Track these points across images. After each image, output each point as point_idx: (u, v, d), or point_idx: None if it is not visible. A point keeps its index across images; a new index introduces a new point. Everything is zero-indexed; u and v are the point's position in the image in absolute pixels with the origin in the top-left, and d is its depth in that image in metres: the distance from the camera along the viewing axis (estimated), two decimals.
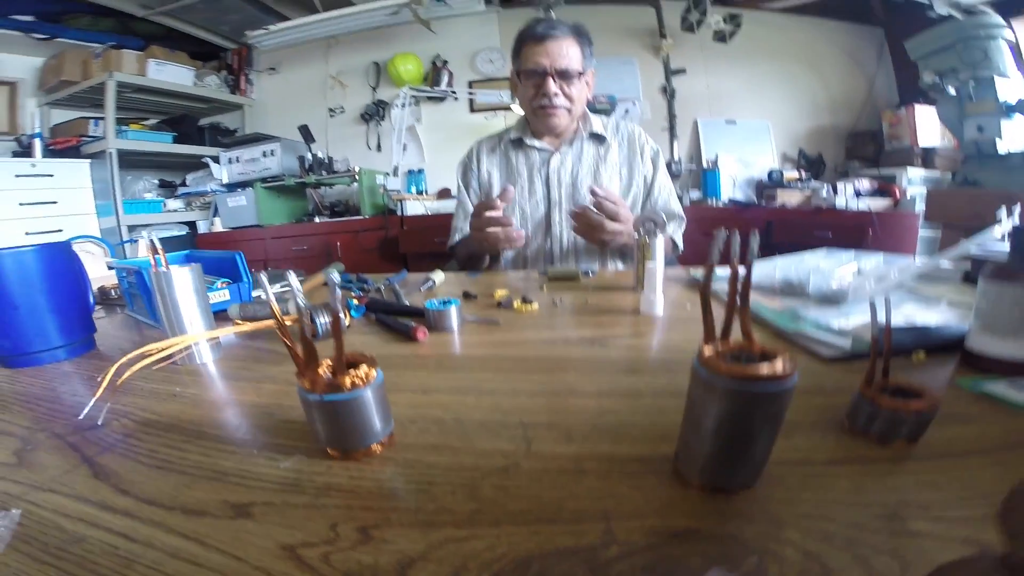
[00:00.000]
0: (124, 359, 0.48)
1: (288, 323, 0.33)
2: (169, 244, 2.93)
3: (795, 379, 0.25)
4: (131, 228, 2.91)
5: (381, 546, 0.25)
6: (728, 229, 0.27)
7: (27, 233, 2.47)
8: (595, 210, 0.98)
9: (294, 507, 0.29)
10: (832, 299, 0.67)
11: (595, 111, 2.80)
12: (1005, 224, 0.73)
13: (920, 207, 2.45)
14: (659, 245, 0.70)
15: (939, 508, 0.26)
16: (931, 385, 0.38)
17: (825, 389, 0.42)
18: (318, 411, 0.32)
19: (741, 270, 0.27)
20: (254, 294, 0.86)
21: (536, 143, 1.30)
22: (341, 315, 0.58)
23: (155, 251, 0.59)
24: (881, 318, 0.34)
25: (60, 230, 2.57)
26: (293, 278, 0.32)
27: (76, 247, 1.22)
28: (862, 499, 0.27)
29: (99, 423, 0.42)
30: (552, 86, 1.18)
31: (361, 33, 3.34)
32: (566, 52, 1.17)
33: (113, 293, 1.06)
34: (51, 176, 2.61)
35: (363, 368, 0.32)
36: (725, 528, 0.25)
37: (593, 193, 0.97)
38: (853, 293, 0.67)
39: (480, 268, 1.28)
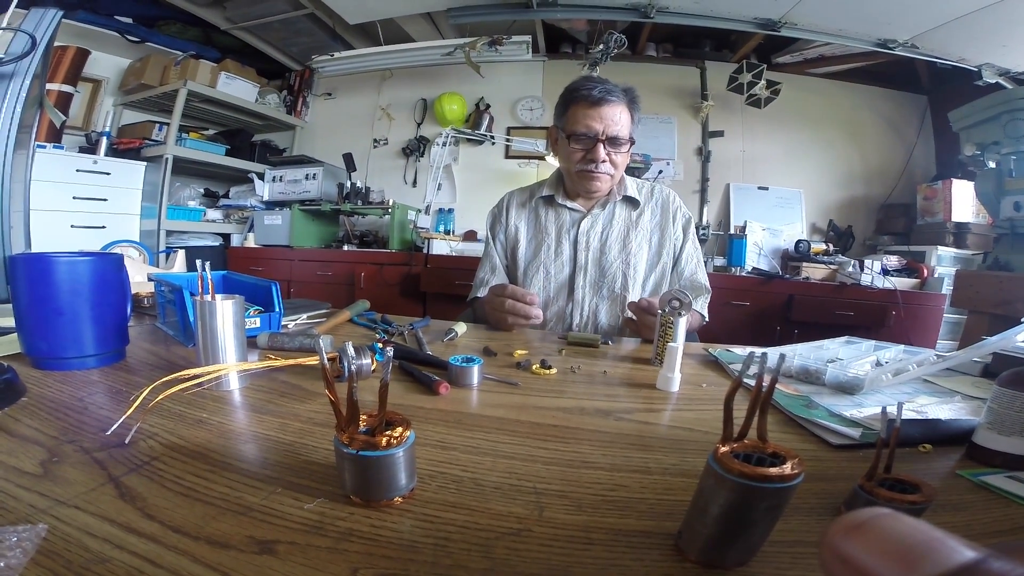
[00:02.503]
0: (158, 382, 0.49)
1: (325, 362, 0.35)
2: (202, 254, 3.02)
3: (801, 478, 0.27)
4: (169, 233, 3.02)
5: None
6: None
7: (72, 226, 2.57)
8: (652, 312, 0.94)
9: (317, 548, 0.30)
10: (848, 388, 0.69)
11: (628, 169, 2.88)
12: None
13: (947, 288, 2.40)
14: (681, 325, 0.72)
15: None
16: (931, 477, 0.43)
17: (828, 476, 0.44)
18: (350, 463, 0.34)
19: (767, 376, 0.30)
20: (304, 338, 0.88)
21: (568, 203, 1.29)
22: (370, 362, 0.60)
23: (203, 279, 0.62)
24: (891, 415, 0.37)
25: (104, 227, 2.67)
26: (322, 346, 0.35)
27: (117, 249, 1.27)
28: None
29: (126, 441, 0.43)
30: (601, 152, 1.15)
31: (414, 69, 3.50)
32: (619, 119, 1.15)
33: (146, 302, 1.07)
34: (108, 174, 2.73)
35: (399, 429, 0.34)
36: None
37: (648, 307, 0.95)
38: (869, 384, 0.68)
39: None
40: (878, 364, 0.83)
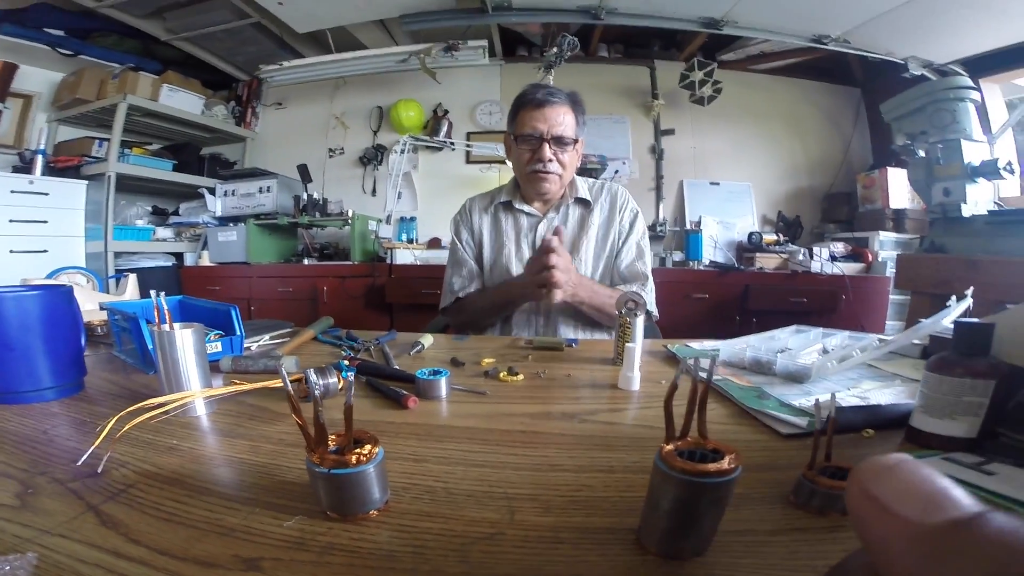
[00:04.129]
0: (124, 412, 0.49)
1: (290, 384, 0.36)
2: (154, 275, 2.92)
3: (738, 471, 0.30)
4: (117, 254, 2.89)
5: None
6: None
7: (11, 251, 2.46)
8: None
9: (301, 563, 0.32)
10: (797, 377, 0.73)
11: (586, 170, 2.93)
12: (956, 311, 0.78)
13: (891, 271, 2.56)
14: (639, 326, 0.75)
15: None
16: None
17: (778, 465, 0.47)
18: (324, 482, 0.36)
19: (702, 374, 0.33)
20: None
21: (525, 208, 1.34)
22: (336, 381, 0.61)
23: (159, 310, 0.61)
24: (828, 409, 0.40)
25: (46, 251, 2.57)
26: (285, 373, 0.37)
27: (63, 277, 1.23)
28: (796, 564, 0.32)
29: (99, 471, 0.43)
30: (547, 152, 1.21)
31: (368, 76, 3.45)
32: (562, 119, 1.22)
33: (99, 330, 1.04)
34: (46, 195, 2.62)
35: (367, 447, 0.36)
36: None
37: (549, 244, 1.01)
38: (816, 372, 0.72)
39: (488, 324, 1.31)
40: (825, 351, 0.88)
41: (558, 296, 1.05)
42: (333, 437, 0.37)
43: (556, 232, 1.05)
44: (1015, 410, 0.50)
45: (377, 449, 0.37)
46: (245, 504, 0.39)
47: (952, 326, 0.64)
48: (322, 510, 0.37)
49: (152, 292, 0.64)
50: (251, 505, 0.39)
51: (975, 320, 0.53)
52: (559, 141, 1.23)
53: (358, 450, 0.36)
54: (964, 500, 0.14)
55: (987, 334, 0.50)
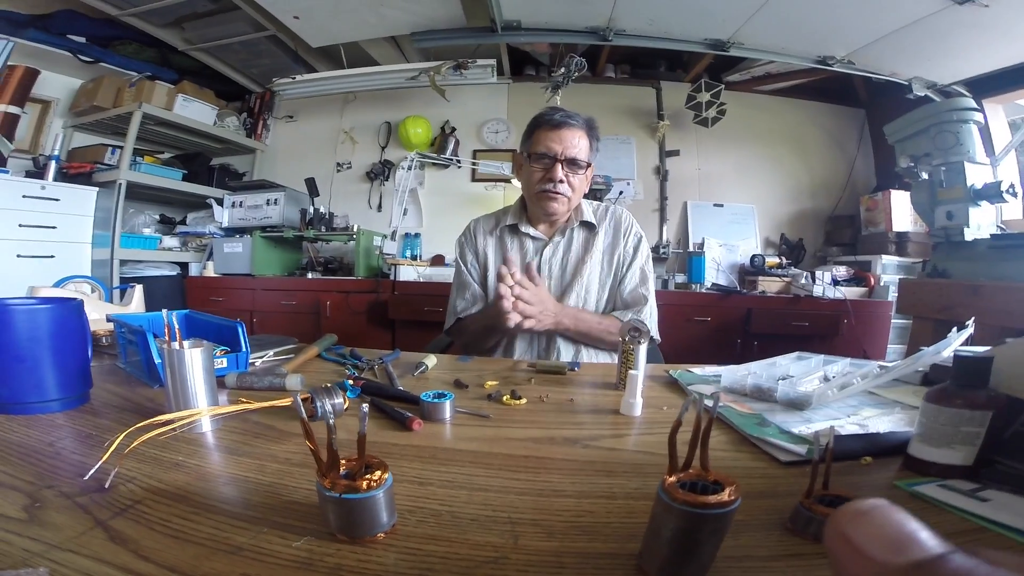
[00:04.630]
0: (131, 428, 0.50)
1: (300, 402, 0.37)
2: (159, 285, 2.93)
3: (738, 503, 0.31)
4: (123, 262, 2.91)
5: None
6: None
7: (18, 256, 2.47)
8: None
9: None
10: (797, 404, 0.73)
11: (590, 190, 2.94)
12: (957, 341, 0.78)
13: (893, 295, 2.54)
14: (641, 353, 0.76)
15: None
16: (871, 489, 0.47)
17: (777, 492, 0.48)
18: (334, 505, 0.36)
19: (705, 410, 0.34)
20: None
21: (531, 231, 1.35)
22: (342, 401, 0.62)
23: (169, 329, 0.62)
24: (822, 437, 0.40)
25: (52, 256, 2.58)
26: (299, 402, 0.38)
27: (70, 285, 1.24)
28: None
29: (107, 486, 0.44)
30: (559, 172, 1.22)
31: (378, 92, 3.50)
32: (577, 143, 1.24)
33: (104, 340, 1.05)
34: (57, 200, 2.63)
35: (378, 472, 0.37)
36: None
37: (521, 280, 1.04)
38: (817, 400, 0.72)
39: (486, 346, 1.31)
40: (826, 379, 0.88)
41: (512, 321, 1.05)
42: (343, 461, 0.38)
43: (506, 262, 1.08)
44: (1012, 439, 0.51)
45: (387, 475, 0.37)
46: (253, 523, 0.39)
47: (952, 357, 0.64)
48: (330, 531, 0.38)
49: (164, 312, 0.65)
50: (259, 524, 0.39)
51: (974, 353, 0.54)
52: (572, 163, 1.24)
53: (368, 476, 0.36)
54: (929, 543, 0.16)
55: (986, 367, 0.51)
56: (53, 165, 2.77)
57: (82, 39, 2.95)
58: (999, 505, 0.44)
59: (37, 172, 2.80)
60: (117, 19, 2.81)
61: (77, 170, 2.90)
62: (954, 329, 0.79)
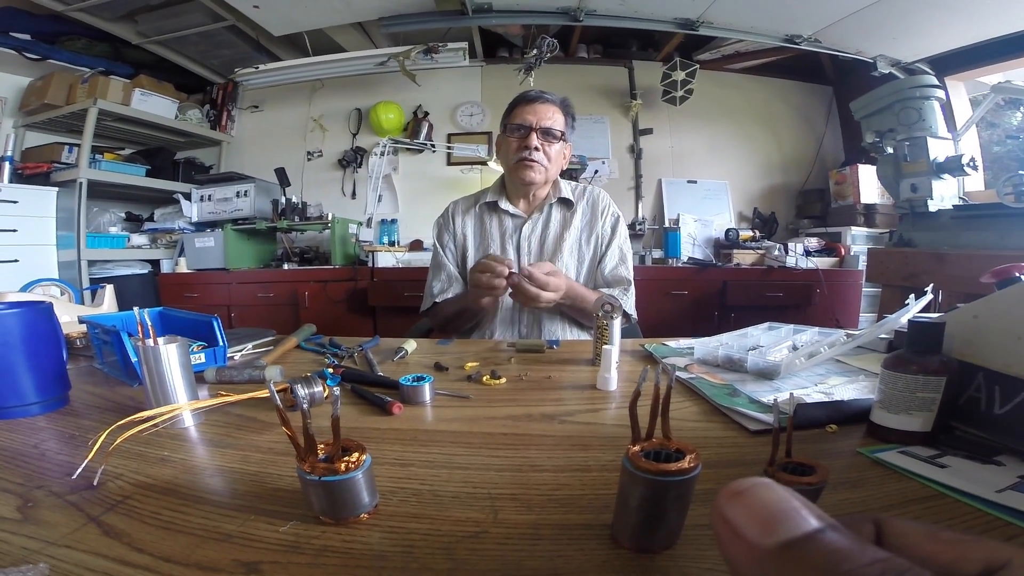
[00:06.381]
0: (113, 426, 0.51)
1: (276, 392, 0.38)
2: (130, 284, 2.86)
3: (698, 470, 0.33)
4: (91, 263, 2.83)
5: None
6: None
7: None
8: (528, 283, 1.03)
9: (299, 565, 0.34)
10: (767, 374, 0.76)
11: (566, 170, 2.96)
12: (915, 307, 0.80)
13: (863, 265, 2.64)
14: (615, 328, 0.79)
15: None
16: (835, 456, 0.49)
17: (745, 460, 0.50)
18: (315, 488, 0.38)
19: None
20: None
21: (510, 208, 1.37)
22: (321, 390, 0.63)
23: (142, 326, 0.62)
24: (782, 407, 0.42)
25: (16, 260, 2.51)
26: (274, 389, 0.38)
27: (38, 289, 1.22)
28: None
29: (95, 483, 0.45)
30: (534, 140, 1.27)
31: (346, 79, 3.43)
32: (552, 116, 1.30)
33: (79, 343, 1.04)
34: (15, 203, 2.56)
35: (355, 454, 0.38)
36: None
37: (529, 276, 1.03)
38: (785, 369, 0.76)
39: (463, 328, 1.33)
40: (795, 348, 0.91)
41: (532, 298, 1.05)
42: (322, 446, 0.39)
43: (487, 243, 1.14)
44: (967, 404, 0.54)
45: (364, 456, 0.39)
46: (240, 511, 0.41)
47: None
48: (315, 515, 0.39)
49: (136, 310, 0.65)
50: (246, 512, 0.41)
51: (927, 318, 0.56)
52: (546, 133, 1.29)
53: (346, 458, 0.38)
54: (804, 521, 0.15)
55: (938, 332, 0.53)
56: (7, 166, 2.68)
57: (26, 36, 2.83)
58: (956, 471, 0.45)
59: None
60: (63, 15, 2.69)
61: (33, 170, 2.81)
62: (911, 295, 0.82)
